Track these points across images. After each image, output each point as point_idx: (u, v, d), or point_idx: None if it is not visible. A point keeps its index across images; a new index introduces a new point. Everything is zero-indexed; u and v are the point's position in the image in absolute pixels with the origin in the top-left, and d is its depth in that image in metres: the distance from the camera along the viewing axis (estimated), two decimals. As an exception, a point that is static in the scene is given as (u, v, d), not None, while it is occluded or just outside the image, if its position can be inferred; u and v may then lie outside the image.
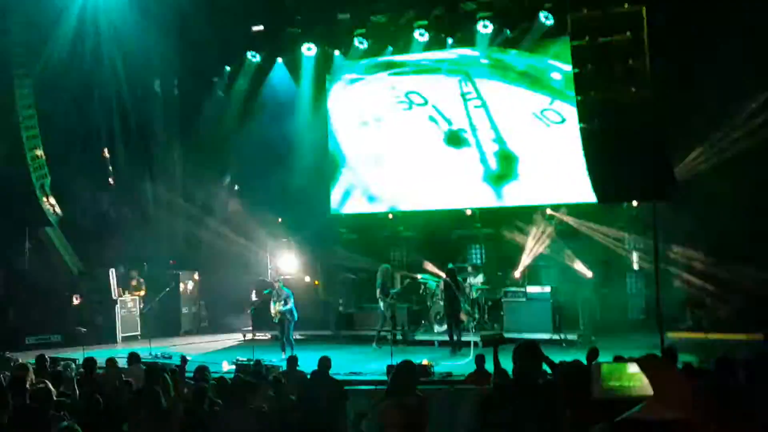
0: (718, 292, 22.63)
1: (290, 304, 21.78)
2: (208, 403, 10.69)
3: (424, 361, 18.01)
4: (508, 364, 8.55)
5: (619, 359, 12.28)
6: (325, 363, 13.24)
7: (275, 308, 21.86)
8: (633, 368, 4.80)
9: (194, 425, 10.18)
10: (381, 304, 22.76)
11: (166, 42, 26.63)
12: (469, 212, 25.60)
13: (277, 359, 18.95)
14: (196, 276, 27.99)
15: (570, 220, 24.15)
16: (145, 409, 10.15)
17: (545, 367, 8.78)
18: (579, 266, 23.36)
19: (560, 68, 23.70)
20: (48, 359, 15.19)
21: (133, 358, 15.79)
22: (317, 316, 24.98)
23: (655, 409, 4.46)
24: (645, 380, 4.46)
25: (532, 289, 22.92)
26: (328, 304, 25.99)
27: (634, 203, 22.12)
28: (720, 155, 21.43)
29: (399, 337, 22.87)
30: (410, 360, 8.87)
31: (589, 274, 23.22)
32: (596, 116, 18.13)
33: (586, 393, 9.60)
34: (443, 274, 22.66)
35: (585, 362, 13.56)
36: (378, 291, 22.86)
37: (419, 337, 23.42)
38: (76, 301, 25.61)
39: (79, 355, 18.01)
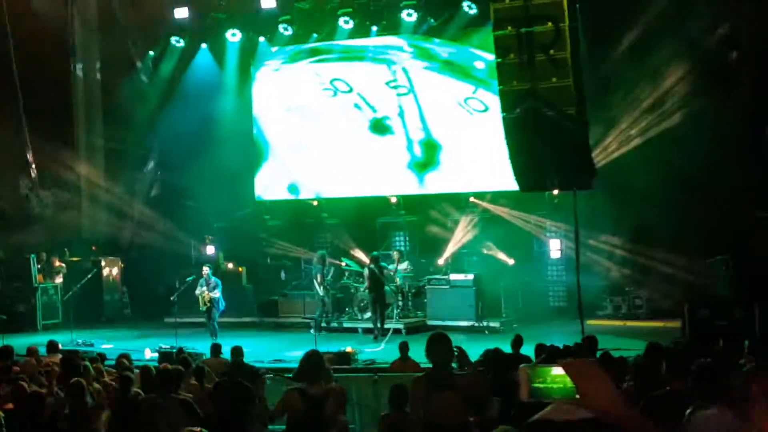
0: (637, 279, 23.13)
1: (218, 293, 21.80)
2: (133, 393, 10.66)
3: (348, 349, 18.12)
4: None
5: (541, 347, 12.58)
6: (237, 351, 13.27)
7: (203, 296, 21.81)
8: (558, 370, 4.90)
9: (120, 416, 10.13)
10: (319, 290, 22.80)
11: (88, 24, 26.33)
12: (394, 200, 25.75)
13: (200, 346, 18.85)
14: (119, 263, 27.72)
15: (492, 207, 24.40)
16: (70, 400, 10.08)
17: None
18: (501, 254, 23.64)
19: (483, 57, 23.91)
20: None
21: (52, 346, 15.63)
22: (241, 303, 24.92)
23: (564, 411, 4.58)
24: (570, 381, 4.56)
25: (455, 276, 23.10)
26: (251, 291, 25.96)
27: (555, 192, 22.41)
28: (637, 141, 21.93)
29: (334, 324, 23.00)
30: (316, 349, 8.98)
31: (510, 261, 23.51)
32: (518, 106, 18.27)
33: (512, 381, 9.81)
34: (367, 261, 22.82)
35: (510, 349, 13.86)
36: (315, 278, 22.89)
37: (344, 324, 23.49)
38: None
39: (-2, 342, 17.79)
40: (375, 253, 23.03)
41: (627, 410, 4.25)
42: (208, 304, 21.86)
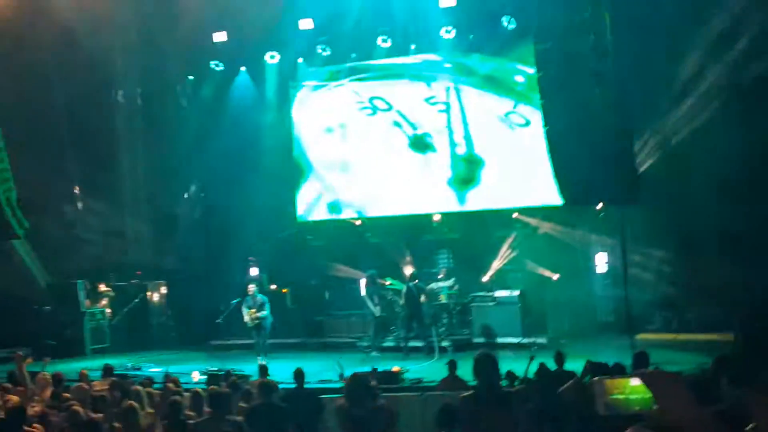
0: (686, 292, 22.79)
1: (266, 311, 21.85)
2: (183, 417, 10.65)
3: (395, 368, 18.03)
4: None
5: (591, 364, 12.40)
6: (299, 376, 13.15)
7: (250, 314, 21.83)
8: (635, 381, 4.78)
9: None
10: (374, 310, 22.69)
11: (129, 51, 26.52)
12: (437, 218, 25.59)
13: (247, 368, 18.80)
14: (163, 288, 27.82)
15: (536, 222, 24.23)
16: (124, 425, 10.09)
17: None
18: (546, 269, 23.46)
19: (523, 71, 23.76)
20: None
21: (108, 370, 15.71)
22: (286, 324, 24.89)
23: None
24: (648, 392, 4.45)
25: (500, 293, 22.99)
26: (295, 312, 25.93)
27: (599, 206, 22.22)
28: (683, 150, 21.63)
29: (402, 344, 22.56)
30: (358, 373, 8.95)
31: (555, 276, 23.32)
32: (561, 119, 18.21)
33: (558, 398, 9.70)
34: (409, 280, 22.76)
35: (555, 366, 13.69)
36: (371, 298, 22.81)
37: (387, 343, 23.37)
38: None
39: (49, 368, 17.88)
40: (415, 272, 22.97)
41: (704, 423, 4.15)
42: (256, 322, 21.86)
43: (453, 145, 25.31)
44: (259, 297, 22.15)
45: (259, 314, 21.87)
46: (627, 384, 4.96)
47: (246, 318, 22.01)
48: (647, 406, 4.65)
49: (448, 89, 25.41)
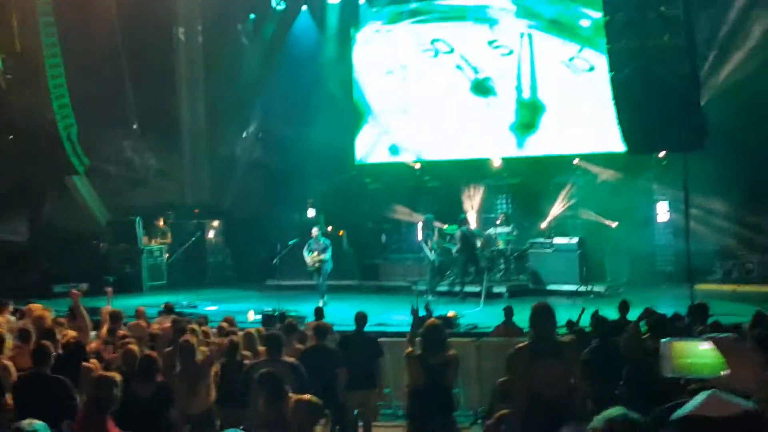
0: (748, 242, 22.43)
1: (328, 255, 21.93)
2: (239, 357, 10.67)
3: (450, 313, 17.95)
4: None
5: (649, 312, 12.21)
6: (361, 320, 13.09)
7: (312, 257, 21.90)
8: (705, 345, 4.63)
9: (228, 379, 10.16)
10: (429, 254, 22.58)
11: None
12: (497, 163, 25.25)
13: (302, 309, 18.82)
14: (220, 226, 27.94)
15: (596, 170, 23.89)
16: (181, 359, 10.13)
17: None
18: (605, 217, 23.14)
19: (589, 15, 23.38)
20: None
21: (167, 308, 15.82)
22: (342, 266, 24.86)
23: (719, 406, 4.28)
24: (718, 357, 4.30)
25: (558, 240, 22.78)
26: (351, 255, 25.92)
27: (662, 153, 21.83)
28: (748, 98, 21.12)
29: (458, 288, 22.49)
30: (438, 322, 8.86)
31: (614, 224, 23.01)
32: (627, 65, 17.86)
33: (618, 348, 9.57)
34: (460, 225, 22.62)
35: (618, 315, 13.51)
36: (425, 242, 22.69)
37: (442, 288, 23.25)
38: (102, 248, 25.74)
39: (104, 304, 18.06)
40: (462, 215, 22.83)
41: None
42: (318, 265, 21.91)
43: (515, 89, 24.97)
44: (322, 241, 22.18)
45: (321, 257, 21.89)
46: (696, 348, 4.83)
47: (308, 260, 22.04)
48: (716, 371, 4.51)
49: (512, 32, 25.03)
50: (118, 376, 7.54)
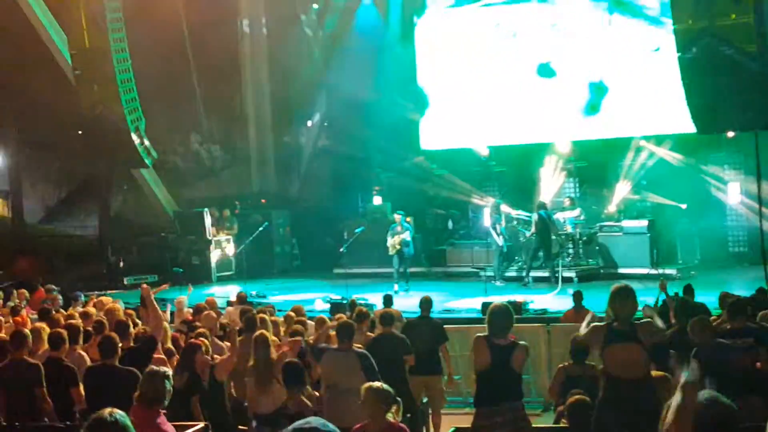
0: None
1: (409, 239, 22.18)
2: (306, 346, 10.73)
3: (519, 298, 17.88)
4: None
5: (726, 296, 12.06)
6: (426, 306, 13.09)
7: (393, 242, 22.08)
8: None
9: (295, 367, 10.20)
10: (497, 240, 22.48)
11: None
12: (565, 147, 24.89)
13: (372, 297, 18.79)
14: (288, 215, 28.07)
15: (664, 152, 23.57)
16: (254, 357, 10.19)
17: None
18: (674, 200, 22.84)
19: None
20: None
21: (239, 298, 15.97)
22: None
23: None
24: None
25: (628, 223, 22.55)
26: (419, 241, 25.89)
27: (730, 134, 21.48)
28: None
29: (524, 274, 22.39)
30: (505, 305, 8.78)
31: (683, 206, 22.70)
32: (694, 44, 17.63)
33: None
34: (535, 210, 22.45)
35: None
36: (494, 227, 22.59)
37: (510, 273, 23.13)
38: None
39: (175, 294, 18.26)
40: (541, 201, 22.64)
41: None
42: (398, 247, 22.05)
43: (580, 71, 24.69)
44: (404, 225, 22.40)
45: (402, 240, 22.05)
46: None
47: (389, 245, 22.21)
48: None
49: (574, 13, 24.76)
50: (169, 370, 7.58)
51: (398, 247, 22.06)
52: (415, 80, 27.28)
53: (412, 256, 22.65)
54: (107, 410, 5.10)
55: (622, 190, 23.65)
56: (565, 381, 9.94)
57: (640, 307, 8.46)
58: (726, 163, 23.35)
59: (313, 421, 4.21)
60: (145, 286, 10.88)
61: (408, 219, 24.99)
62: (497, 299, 17.28)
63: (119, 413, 5.12)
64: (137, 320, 12.63)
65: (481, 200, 25.45)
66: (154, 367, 7.46)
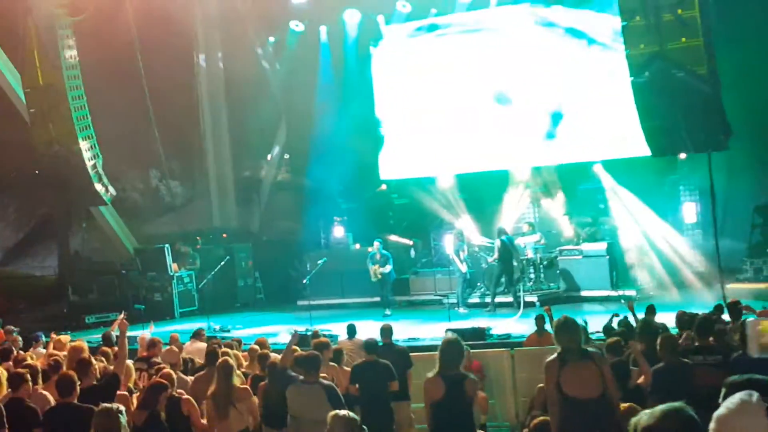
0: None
1: (389, 266, 22.77)
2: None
3: (482, 323, 17.97)
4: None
5: (682, 314, 12.21)
6: (387, 332, 13.16)
7: (374, 270, 22.83)
8: None
9: (274, 400, 10.20)
10: (461, 267, 22.57)
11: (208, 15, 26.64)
12: (524, 174, 25.06)
13: (335, 327, 18.80)
14: (250, 249, 28.00)
15: (618, 175, 23.80)
16: (216, 383, 10.17)
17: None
18: (632, 221, 23.05)
19: (607, 21, 23.34)
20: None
21: (196, 334, 15.88)
22: (371, 282, 24.85)
23: None
24: None
25: (587, 246, 22.73)
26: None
27: (682, 156, 21.74)
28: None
29: (489, 299, 22.44)
30: (454, 338, 8.91)
31: (642, 228, 22.91)
32: (646, 69, 17.89)
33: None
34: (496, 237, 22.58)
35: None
36: (457, 255, 22.68)
37: (473, 299, 23.22)
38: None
39: (138, 330, 18.17)
40: (501, 227, 22.80)
41: None
42: (379, 277, 22.78)
43: (536, 98, 24.92)
44: (383, 253, 22.93)
45: (383, 270, 22.74)
46: None
47: (371, 273, 22.85)
48: None
49: (528, 41, 25.01)
50: (123, 407, 7.56)
51: (379, 276, 22.75)
52: (374, 110, 27.38)
53: (394, 281, 23.20)
54: None
55: (579, 214, 23.86)
56: (544, 401, 10.02)
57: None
58: (681, 184, 23.60)
59: None
60: (125, 321, 10.89)
61: (369, 249, 25.09)
62: (460, 325, 17.50)
63: None
64: (101, 358, 12.54)
65: (441, 228, 25.59)
66: (107, 404, 7.43)
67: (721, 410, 3.79)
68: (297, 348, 11.15)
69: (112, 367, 10.77)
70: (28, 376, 9.92)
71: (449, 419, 8.48)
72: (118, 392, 9.77)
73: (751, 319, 5.22)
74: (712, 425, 3.78)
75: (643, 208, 23.06)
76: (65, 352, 12.65)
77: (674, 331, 12.06)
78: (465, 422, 8.53)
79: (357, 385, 11.17)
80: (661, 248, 22.72)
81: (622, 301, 20.61)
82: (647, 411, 4.25)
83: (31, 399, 9.72)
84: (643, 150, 20.27)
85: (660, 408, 4.18)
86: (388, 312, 22.30)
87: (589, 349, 8.27)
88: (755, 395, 3.83)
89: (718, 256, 18.90)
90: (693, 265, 22.76)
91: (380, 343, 12.85)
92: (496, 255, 22.28)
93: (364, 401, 9.48)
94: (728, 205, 22.04)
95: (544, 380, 8.69)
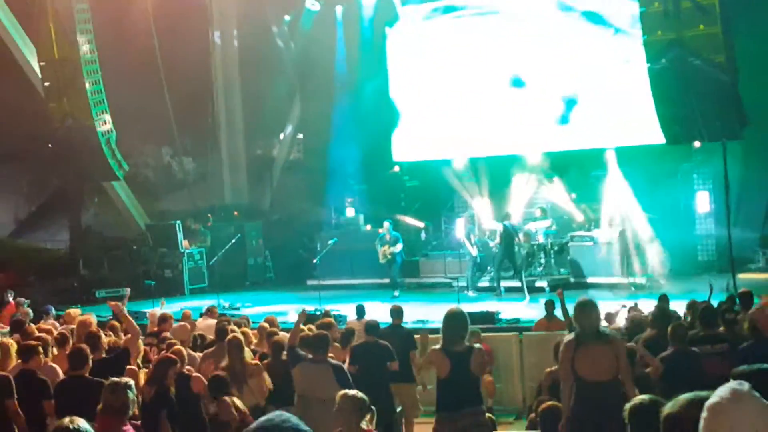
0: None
1: (399, 247, 22.80)
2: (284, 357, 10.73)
3: (491, 307, 17.97)
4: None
5: (694, 303, 12.19)
6: (398, 314, 13.16)
7: (383, 251, 22.85)
8: None
9: (278, 378, 10.23)
10: (471, 250, 22.58)
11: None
12: (536, 159, 24.97)
13: (344, 308, 18.81)
14: (261, 227, 28.02)
15: (633, 161, 23.69)
16: (228, 359, 10.22)
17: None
18: (644, 209, 22.96)
19: (625, 6, 23.20)
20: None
21: (209, 311, 15.93)
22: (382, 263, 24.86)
23: None
24: None
25: (598, 232, 22.66)
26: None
27: (696, 144, 21.67)
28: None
29: (496, 284, 22.44)
30: (457, 310, 8.96)
31: (650, 215, 22.82)
32: (664, 56, 17.85)
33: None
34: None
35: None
36: (468, 238, 22.68)
37: (482, 283, 23.20)
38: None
39: (149, 306, 18.23)
40: (507, 211, 22.76)
41: None
42: (389, 257, 22.80)
43: (552, 83, 24.82)
44: (393, 234, 23.00)
45: (393, 249, 22.80)
46: None
47: (379, 254, 22.89)
48: None
49: (546, 25, 24.89)
50: (132, 381, 7.57)
51: (389, 256, 22.74)
52: (388, 91, 27.32)
53: (402, 263, 23.26)
54: (68, 419, 5.11)
55: (592, 200, 23.76)
56: (552, 384, 10.04)
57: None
58: (696, 173, 23.52)
59: (274, 416, 4.20)
60: (112, 304, 10.93)
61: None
62: (469, 308, 17.47)
63: (81, 422, 5.13)
64: (109, 332, 12.58)
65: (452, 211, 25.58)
66: (116, 378, 7.44)
67: (712, 399, 3.80)
68: (304, 327, 11.19)
69: (121, 341, 10.80)
70: (40, 348, 9.97)
71: (456, 397, 8.55)
72: (128, 367, 9.80)
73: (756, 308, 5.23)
74: (703, 414, 3.79)
75: (657, 195, 22.89)
76: (74, 326, 12.71)
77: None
78: (472, 397, 8.62)
79: (356, 366, 11.17)
80: (672, 236, 22.61)
81: (633, 288, 20.70)
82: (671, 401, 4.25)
83: (40, 371, 9.77)
84: (657, 138, 20.22)
85: (684, 396, 4.19)
86: (396, 294, 22.33)
87: (607, 331, 8.34)
88: (746, 384, 3.83)
89: (730, 246, 18.85)
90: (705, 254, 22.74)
91: (387, 325, 12.88)
92: (497, 240, 22.23)
93: (363, 382, 9.49)
94: (742, 194, 21.97)
95: (558, 361, 8.75)
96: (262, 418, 4.20)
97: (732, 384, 3.89)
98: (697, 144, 21.51)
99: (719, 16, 17.22)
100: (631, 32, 22.46)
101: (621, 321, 13.18)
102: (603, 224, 22.85)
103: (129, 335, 10.40)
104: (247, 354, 10.49)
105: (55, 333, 11.98)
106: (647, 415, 4.69)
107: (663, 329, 10.18)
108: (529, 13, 25.19)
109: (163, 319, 13.37)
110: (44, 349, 10.29)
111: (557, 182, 24.97)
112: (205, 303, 19.29)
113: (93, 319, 13.23)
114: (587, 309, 8.18)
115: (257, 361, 10.61)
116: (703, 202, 23.55)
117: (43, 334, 11.29)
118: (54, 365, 10.25)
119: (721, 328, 10.36)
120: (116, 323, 13.07)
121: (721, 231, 21.23)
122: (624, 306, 14.23)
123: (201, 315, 15.98)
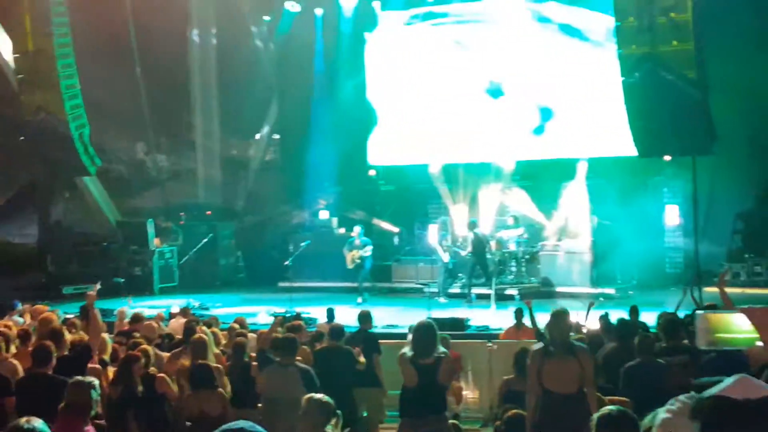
0: (757, 246, 22.44)
1: (369, 251, 22.64)
2: (247, 359, 10.73)
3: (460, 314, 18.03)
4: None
5: (665, 315, 12.27)
6: (366, 319, 13.14)
7: (352, 255, 22.66)
8: (740, 318, 4.69)
9: (235, 379, 10.21)
10: (443, 256, 22.62)
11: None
12: (509, 167, 25.07)
13: (315, 310, 18.82)
14: (233, 227, 27.96)
15: (606, 173, 23.85)
16: (193, 358, 10.20)
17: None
18: (613, 221, 23.09)
19: (601, 19, 23.36)
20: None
21: (183, 311, 15.90)
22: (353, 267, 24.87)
23: (746, 388, 4.25)
24: (752, 330, 4.33)
25: (569, 242, 22.79)
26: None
27: (666, 157, 21.83)
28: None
29: (467, 291, 22.46)
30: (427, 322, 9.03)
31: (609, 223, 22.95)
32: (637, 69, 18.01)
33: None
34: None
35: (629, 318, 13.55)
36: (440, 244, 22.73)
37: (454, 289, 23.25)
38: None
39: (117, 304, 18.14)
40: (473, 219, 22.83)
41: None
42: (357, 261, 22.63)
43: (527, 92, 24.94)
44: (363, 240, 22.80)
45: (362, 253, 22.59)
46: (731, 321, 4.87)
47: (347, 259, 22.71)
48: (750, 343, 4.55)
49: (523, 35, 25.02)
50: (96, 380, 7.56)
51: (357, 261, 22.57)
52: (365, 96, 27.35)
53: (370, 269, 23.16)
54: (24, 419, 5.10)
55: (564, 210, 23.87)
56: (507, 393, 10.07)
57: None
58: (665, 187, 23.70)
59: (242, 423, 4.24)
60: (90, 293, 10.84)
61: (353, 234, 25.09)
62: (439, 314, 17.53)
63: (37, 422, 5.12)
64: (80, 330, 12.51)
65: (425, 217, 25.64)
66: (80, 377, 7.42)
67: (664, 414, 3.85)
68: (279, 332, 11.20)
69: (86, 338, 10.75)
70: (2, 344, 9.90)
71: (421, 405, 8.62)
72: (90, 365, 9.75)
73: (700, 312, 5.31)
74: (655, 430, 3.84)
75: (626, 207, 23.01)
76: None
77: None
78: (437, 404, 8.69)
79: (318, 370, 11.16)
80: (640, 248, 22.76)
81: (602, 299, 20.80)
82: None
83: (0, 367, 9.69)
84: (630, 150, 20.36)
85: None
86: (359, 300, 21.89)
87: (576, 343, 8.42)
88: (695, 398, 3.89)
89: (697, 259, 18.98)
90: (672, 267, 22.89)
91: (356, 329, 12.88)
92: (469, 248, 22.28)
93: (325, 387, 9.49)
94: (710, 209, 22.15)
95: (516, 370, 8.79)
96: (230, 424, 4.24)
97: (682, 397, 3.94)
98: (667, 158, 21.69)
99: (692, 33, 17.41)
100: (607, 45, 22.62)
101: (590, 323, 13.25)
102: (569, 233, 23.02)
103: (94, 332, 10.33)
104: (211, 356, 10.45)
105: (17, 329, 11.88)
106: (615, 426, 4.74)
107: (626, 341, 10.30)
108: (507, 24, 25.30)
109: (136, 318, 13.34)
110: (7, 345, 10.22)
111: (529, 191, 25.11)
112: (174, 302, 19.24)
113: (54, 315, 13.15)
114: (560, 320, 8.29)
115: (218, 365, 10.56)
116: (672, 215, 23.74)
117: (4, 329, 11.21)
118: (15, 361, 10.18)
119: (685, 341, 10.46)
120: (75, 320, 13.01)
121: (689, 244, 21.38)
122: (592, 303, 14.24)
123: (171, 315, 15.93)
